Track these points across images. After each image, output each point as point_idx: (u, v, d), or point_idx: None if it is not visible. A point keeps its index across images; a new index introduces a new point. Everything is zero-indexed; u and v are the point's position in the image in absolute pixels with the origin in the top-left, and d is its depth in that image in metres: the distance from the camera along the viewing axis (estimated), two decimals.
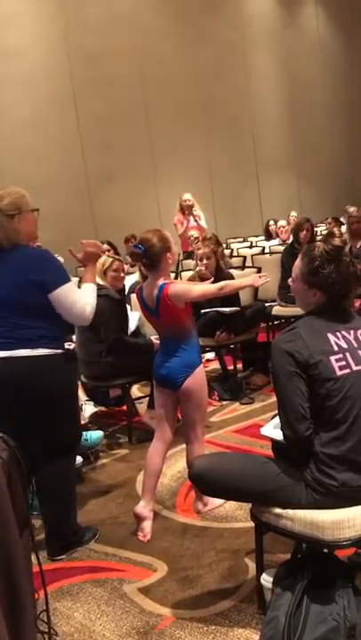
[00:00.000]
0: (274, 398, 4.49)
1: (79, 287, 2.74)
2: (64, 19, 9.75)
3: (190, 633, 2.18)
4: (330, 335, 2.08)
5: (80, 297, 2.64)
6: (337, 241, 2.14)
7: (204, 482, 2.21)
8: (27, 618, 1.76)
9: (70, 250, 2.90)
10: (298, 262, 2.19)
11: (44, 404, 2.58)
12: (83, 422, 3.78)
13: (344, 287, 2.12)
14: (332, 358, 2.03)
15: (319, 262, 2.10)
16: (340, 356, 2.04)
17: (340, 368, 2.02)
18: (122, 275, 4.28)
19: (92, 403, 4.17)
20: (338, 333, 2.09)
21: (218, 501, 3.02)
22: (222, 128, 12.06)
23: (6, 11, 9.02)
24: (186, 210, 7.89)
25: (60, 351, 2.64)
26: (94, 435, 3.56)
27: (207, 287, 3.03)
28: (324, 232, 7.90)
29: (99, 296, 4.05)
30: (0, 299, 2.56)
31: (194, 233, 7.52)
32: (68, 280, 2.63)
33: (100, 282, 4.15)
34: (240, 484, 2.11)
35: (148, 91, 10.80)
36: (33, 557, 2.01)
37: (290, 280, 2.26)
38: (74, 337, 4.36)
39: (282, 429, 2.06)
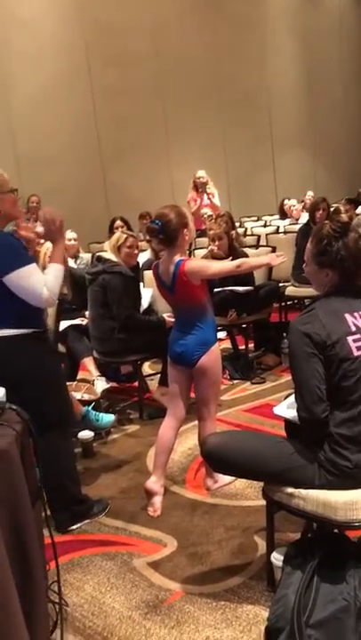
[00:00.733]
0: (285, 379, 4.54)
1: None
2: None
3: (199, 608, 2.20)
4: (347, 315, 2.06)
5: (37, 281, 2.53)
6: (343, 217, 2.12)
7: (217, 459, 2.21)
8: (38, 588, 1.78)
9: (15, 230, 2.84)
10: (308, 245, 2.19)
11: (18, 384, 2.54)
12: (95, 397, 3.79)
13: (354, 263, 2.10)
14: (350, 339, 2.02)
15: (327, 240, 2.09)
16: (358, 336, 2.02)
17: (358, 348, 2.00)
18: (136, 251, 4.25)
19: (104, 379, 4.18)
20: (355, 314, 2.07)
21: (228, 479, 3.03)
22: (238, 105, 11.88)
23: None
24: (199, 187, 7.80)
25: (28, 331, 2.59)
26: (106, 417, 3.55)
27: (225, 264, 3.00)
28: None
29: (111, 273, 4.08)
30: None
31: (207, 211, 7.45)
32: (27, 263, 2.53)
33: (114, 258, 4.13)
34: (253, 462, 2.11)
35: (162, 66, 10.64)
36: (45, 532, 2.02)
37: (304, 265, 2.24)
38: (87, 313, 4.37)
39: (298, 411, 2.05)
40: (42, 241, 4.47)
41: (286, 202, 8.94)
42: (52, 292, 2.56)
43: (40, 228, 3.62)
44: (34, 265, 2.58)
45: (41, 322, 2.71)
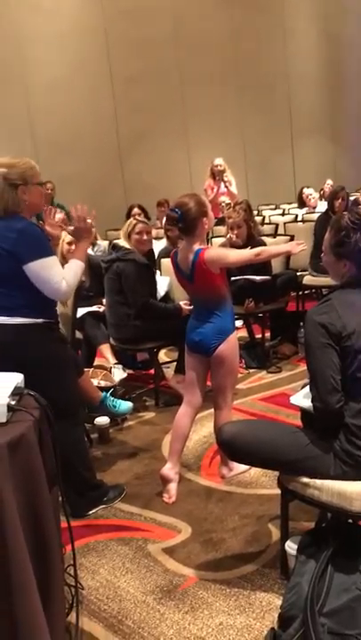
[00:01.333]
0: (301, 368, 4.52)
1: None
2: None
3: (213, 594, 2.22)
4: None
5: (57, 273, 2.56)
6: None
7: (233, 448, 2.22)
8: (55, 571, 1.81)
9: (41, 223, 2.86)
10: (327, 235, 2.19)
11: (25, 372, 2.57)
12: (111, 384, 3.81)
13: None
14: None
15: (345, 232, 2.09)
16: None
17: None
18: (145, 237, 4.22)
19: (120, 367, 4.19)
20: None
21: (243, 467, 3.04)
22: (257, 90, 11.74)
23: None
24: (217, 175, 7.76)
25: (39, 320, 2.60)
26: (123, 404, 3.55)
27: (244, 253, 2.99)
28: None
29: (125, 260, 4.08)
30: None
31: (225, 199, 7.41)
32: (48, 255, 2.56)
33: (127, 246, 4.14)
34: (269, 451, 2.12)
35: (182, 51, 10.56)
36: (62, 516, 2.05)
37: (322, 254, 2.24)
38: (104, 300, 4.38)
39: (312, 401, 2.05)
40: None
41: (305, 190, 8.87)
42: (70, 286, 2.61)
43: (59, 216, 3.64)
44: (55, 258, 2.63)
45: (53, 312, 2.73)
